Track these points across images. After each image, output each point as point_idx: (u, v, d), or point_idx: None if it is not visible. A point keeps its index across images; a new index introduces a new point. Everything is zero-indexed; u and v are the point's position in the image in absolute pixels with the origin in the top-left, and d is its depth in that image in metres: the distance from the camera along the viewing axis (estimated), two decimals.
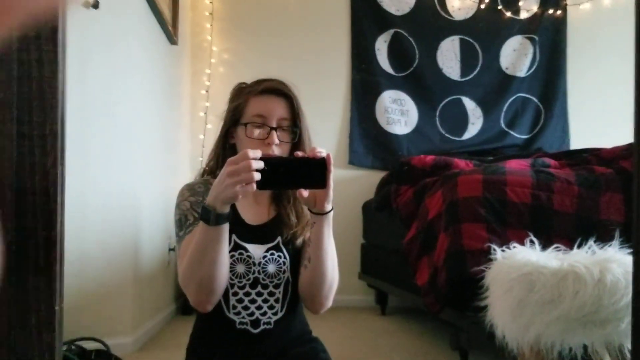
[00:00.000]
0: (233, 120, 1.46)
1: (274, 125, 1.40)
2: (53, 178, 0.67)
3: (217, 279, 1.27)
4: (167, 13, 3.38)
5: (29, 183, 0.67)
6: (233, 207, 1.43)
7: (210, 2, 4.33)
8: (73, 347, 2.36)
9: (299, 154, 1.27)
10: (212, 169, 1.50)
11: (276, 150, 1.39)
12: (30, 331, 0.66)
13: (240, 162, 1.17)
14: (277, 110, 1.41)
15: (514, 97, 4.63)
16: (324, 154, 1.23)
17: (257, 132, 1.40)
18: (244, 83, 1.52)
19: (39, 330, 0.66)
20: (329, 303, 1.43)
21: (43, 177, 0.67)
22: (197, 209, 1.37)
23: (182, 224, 1.37)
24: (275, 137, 1.39)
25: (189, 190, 1.42)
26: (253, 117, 1.41)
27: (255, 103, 1.42)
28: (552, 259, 1.80)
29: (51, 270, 0.67)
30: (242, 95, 1.47)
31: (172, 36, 3.54)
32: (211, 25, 4.33)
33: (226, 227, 1.24)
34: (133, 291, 2.80)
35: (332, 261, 1.37)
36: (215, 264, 1.25)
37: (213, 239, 1.23)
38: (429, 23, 4.55)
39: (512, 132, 4.60)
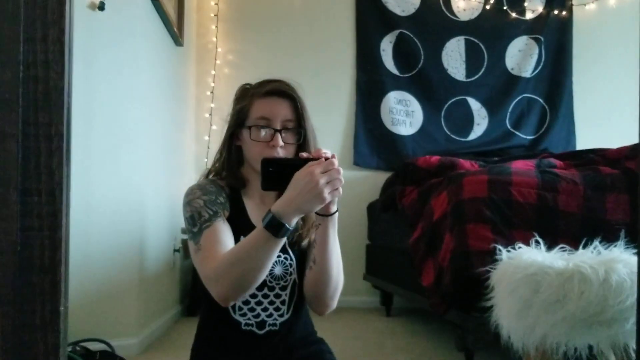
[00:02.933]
0: (238, 122, 1.45)
1: (279, 127, 1.40)
2: (58, 179, 0.67)
3: (257, 282, 1.26)
4: (172, 14, 3.39)
5: (34, 184, 0.67)
6: (242, 209, 1.44)
7: (216, 4, 4.34)
8: (78, 348, 2.37)
9: (304, 155, 1.27)
10: (217, 171, 1.50)
11: (281, 152, 1.38)
12: (34, 332, 0.66)
13: (329, 169, 1.19)
14: (281, 112, 1.41)
15: (519, 97, 4.62)
16: (329, 155, 1.23)
17: (261, 134, 1.40)
18: (248, 84, 1.51)
19: (43, 331, 0.66)
20: (334, 304, 1.42)
21: (48, 178, 0.67)
22: (211, 207, 1.37)
23: (196, 220, 1.36)
24: (279, 139, 1.38)
25: (201, 190, 1.42)
26: (257, 119, 1.41)
27: (260, 105, 1.42)
28: (557, 259, 1.79)
29: (56, 271, 0.67)
30: (246, 97, 1.46)
31: (177, 37, 3.55)
32: (216, 26, 4.34)
33: (285, 237, 1.24)
34: (138, 292, 2.81)
35: (337, 262, 1.37)
36: (263, 268, 1.24)
37: (271, 249, 1.22)
38: (434, 24, 4.54)
39: (517, 133, 4.59)
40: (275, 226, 1.19)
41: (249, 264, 1.22)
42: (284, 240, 1.23)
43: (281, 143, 1.38)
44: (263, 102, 1.42)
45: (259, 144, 1.39)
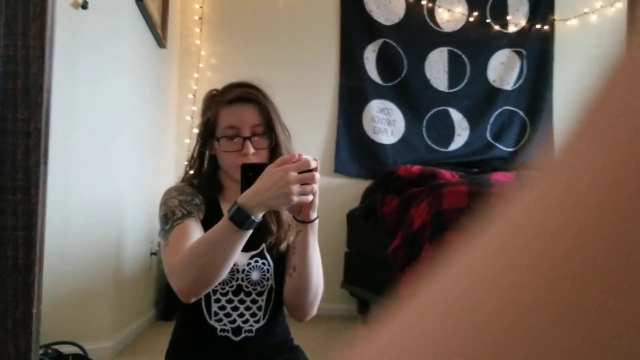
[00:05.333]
0: (207, 133, 1.44)
1: (247, 135, 1.38)
2: (35, 177, 0.66)
3: (219, 276, 1.24)
4: (156, 16, 3.37)
5: (10, 181, 0.65)
6: (218, 213, 1.42)
7: (200, 7, 4.32)
8: (50, 350, 2.33)
9: (286, 157, 1.26)
10: (190, 180, 1.49)
11: (253, 159, 1.37)
12: (5, 334, 0.65)
13: (303, 170, 1.17)
14: (248, 118, 1.39)
15: (500, 109, 4.66)
16: (309, 160, 1.22)
17: (231, 144, 1.39)
18: (214, 90, 1.50)
19: (15, 334, 0.64)
20: (314, 311, 1.42)
21: (25, 176, 0.65)
22: (185, 207, 1.36)
23: (169, 218, 1.34)
24: (249, 147, 1.37)
25: (177, 191, 1.41)
26: (225, 129, 1.39)
27: (226, 114, 1.40)
28: None
29: (30, 272, 0.65)
30: (212, 106, 1.45)
31: (161, 39, 3.52)
32: (200, 29, 4.32)
33: (250, 231, 1.22)
34: (113, 295, 2.77)
35: (317, 269, 1.36)
36: (226, 262, 1.22)
37: (235, 241, 1.20)
38: (418, 34, 4.57)
39: (498, 145, 4.63)
40: (240, 217, 1.17)
41: (212, 256, 1.21)
42: (249, 233, 1.21)
43: (252, 150, 1.37)
44: (229, 111, 1.40)
45: (230, 154, 1.38)
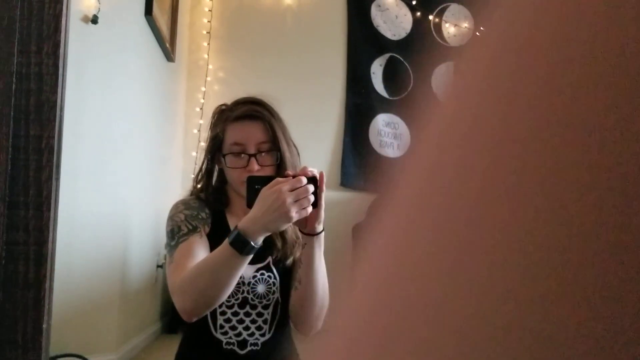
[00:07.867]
0: (215, 148, 1.46)
1: (253, 152, 1.39)
2: (47, 193, 0.66)
3: (220, 297, 1.26)
4: (165, 30, 3.39)
5: (22, 197, 0.66)
6: (225, 226, 1.43)
7: (208, 21, 4.35)
8: None
9: (290, 173, 1.27)
10: (198, 192, 1.50)
11: None
12: (15, 349, 0.65)
13: (296, 187, 1.18)
14: (253, 135, 1.40)
15: None
16: (315, 173, 1.23)
17: (237, 160, 1.40)
18: (224, 105, 1.51)
19: (25, 349, 0.65)
20: (320, 325, 1.41)
21: (37, 192, 0.66)
22: (191, 222, 1.37)
23: (175, 234, 1.36)
24: (254, 164, 1.38)
25: (184, 205, 1.42)
26: (231, 145, 1.41)
27: (232, 131, 1.42)
28: None
29: (40, 287, 0.66)
30: (220, 122, 1.46)
31: (169, 53, 3.55)
32: (208, 43, 4.34)
33: (251, 256, 1.23)
34: (119, 308, 2.77)
35: (323, 283, 1.37)
36: (227, 285, 1.24)
37: (236, 266, 1.22)
38: (425, 48, 4.58)
39: None
40: (240, 243, 1.18)
41: (212, 279, 1.22)
42: (249, 257, 1.22)
43: (256, 168, 1.38)
44: (235, 128, 1.41)
45: (237, 170, 1.39)
